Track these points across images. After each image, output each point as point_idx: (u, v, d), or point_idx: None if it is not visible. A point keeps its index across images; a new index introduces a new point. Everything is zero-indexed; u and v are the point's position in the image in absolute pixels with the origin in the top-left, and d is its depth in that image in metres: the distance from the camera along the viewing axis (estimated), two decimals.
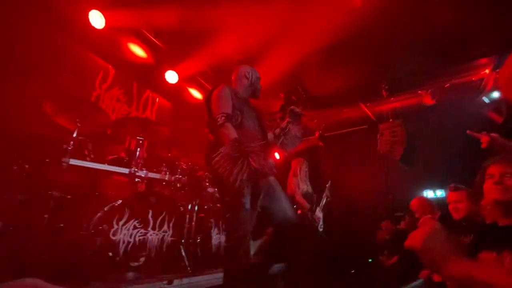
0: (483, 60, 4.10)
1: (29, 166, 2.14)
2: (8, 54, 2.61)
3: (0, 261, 1.66)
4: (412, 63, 4.23)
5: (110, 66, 3.79)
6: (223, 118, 1.66)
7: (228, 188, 1.55)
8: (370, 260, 4.56)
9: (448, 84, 4.48)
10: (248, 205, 1.67)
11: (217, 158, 1.53)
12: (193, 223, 2.51)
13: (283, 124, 2.00)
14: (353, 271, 4.43)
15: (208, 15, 3.41)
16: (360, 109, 5.22)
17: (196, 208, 2.60)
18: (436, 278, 2.62)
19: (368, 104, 5.14)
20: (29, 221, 1.93)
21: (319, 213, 3.82)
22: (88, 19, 3.13)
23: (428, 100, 4.63)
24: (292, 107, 2.01)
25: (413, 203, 2.88)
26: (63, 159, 2.05)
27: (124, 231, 1.97)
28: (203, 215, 2.70)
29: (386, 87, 4.71)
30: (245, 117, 1.81)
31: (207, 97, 1.87)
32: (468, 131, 1.58)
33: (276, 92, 4.86)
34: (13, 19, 2.68)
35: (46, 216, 1.92)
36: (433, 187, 4.90)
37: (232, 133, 1.65)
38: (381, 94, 4.76)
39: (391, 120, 4.83)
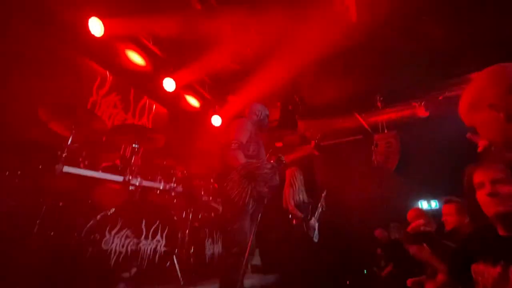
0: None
1: (21, 172, 2.11)
2: (6, 59, 2.61)
3: None
4: (407, 75, 4.32)
5: (107, 73, 3.79)
6: (236, 144, 2.00)
7: (234, 205, 1.84)
8: (365, 271, 4.53)
9: (441, 97, 4.57)
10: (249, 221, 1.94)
11: (228, 185, 1.88)
12: (186, 233, 2.48)
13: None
14: (348, 282, 4.39)
15: (206, 24, 3.46)
16: (355, 119, 5.28)
17: (190, 217, 2.58)
18: (428, 286, 2.62)
19: (363, 115, 5.20)
20: (20, 228, 1.89)
21: (314, 223, 3.80)
22: (87, 26, 3.15)
23: (422, 112, 4.71)
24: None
25: (410, 214, 2.90)
26: (57, 166, 2.03)
27: (116, 241, 1.94)
28: (197, 224, 2.67)
29: (381, 98, 4.78)
30: (261, 150, 2.20)
31: (228, 123, 2.27)
32: (468, 135, 1.56)
33: (273, 101, 4.90)
34: (12, 25, 2.69)
35: (37, 224, 1.88)
36: (428, 197, 4.93)
37: (241, 158, 1.96)
38: (376, 105, 4.83)
39: (386, 131, 4.89)
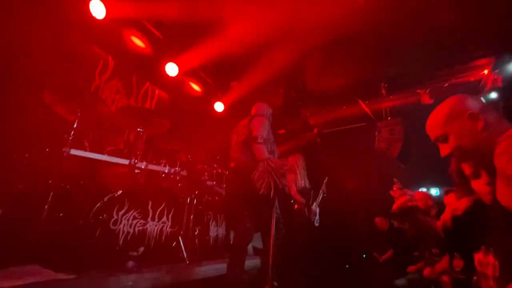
0: (482, 61, 4.14)
1: (29, 155, 2.15)
2: (9, 43, 2.59)
3: (2, 249, 1.68)
4: (412, 62, 4.25)
5: (110, 57, 3.76)
6: (262, 139, 2.25)
7: (255, 194, 2.12)
8: (364, 255, 4.64)
9: (447, 84, 4.51)
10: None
11: (255, 174, 2.16)
12: (191, 215, 2.54)
13: None
14: (347, 266, 4.51)
15: (209, 8, 3.39)
16: (359, 106, 5.25)
17: (195, 200, 2.63)
18: (426, 272, 2.69)
19: (367, 102, 5.16)
20: (30, 210, 1.94)
21: (315, 209, 3.87)
22: (89, 9, 3.10)
23: (427, 99, 4.66)
24: None
25: (416, 196, 2.93)
26: (64, 149, 2.06)
27: (124, 221, 2.00)
28: (201, 207, 2.73)
29: (386, 85, 4.73)
30: (274, 147, 2.43)
31: (249, 120, 2.44)
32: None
33: (276, 88, 4.87)
34: (13, 9, 2.65)
35: (46, 206, 1.94)
36: (427, 185, 4.97)
37: (265, 152, 2.22)
38: (380, 92, 4.79)
39: (389, 118, 4.87)
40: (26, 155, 2.19)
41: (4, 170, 2.16)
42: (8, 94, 2.44)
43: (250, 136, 2.26)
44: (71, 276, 1.53)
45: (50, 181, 2.04)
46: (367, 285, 3.80)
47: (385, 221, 4.15)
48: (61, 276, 1.51)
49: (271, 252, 2.03)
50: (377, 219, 4.21)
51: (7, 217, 1.87)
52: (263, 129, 2.29)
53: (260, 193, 2.07)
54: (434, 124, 1.14)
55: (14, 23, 2.65)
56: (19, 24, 2.69)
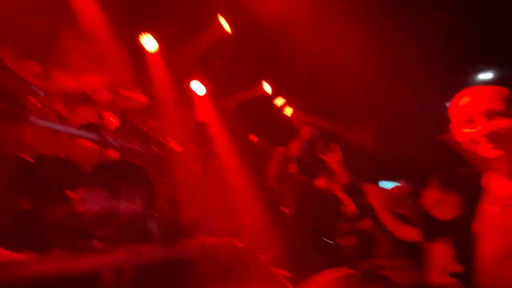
0: None
1: None
2: None
3: None
4: None
5: (78, 15, 3.38)
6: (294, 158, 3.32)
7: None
8: (323, 238, 4.92)
9: None
10: None
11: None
12: (164, 197, 2.51)
13: None
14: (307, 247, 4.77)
15: None
16: None
17: (169, 181, 2.60)
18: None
19: None
20: None
21: None
22: None
23: None
24: None
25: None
26: (28, 118, 1.88)
27: (93, 200, 1.92)
28: (174, 189, 2.71)
29: None
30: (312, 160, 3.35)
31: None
32: None
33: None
34: None
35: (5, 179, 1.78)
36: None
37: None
38: None
39: None
40: None
41: None
42: None
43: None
44: (29, 256, 1.45)
45: (9, 151, 1.87)
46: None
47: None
48: (16, 256, 1.43)
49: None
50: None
51: None
52: (299, 151, 3.26)
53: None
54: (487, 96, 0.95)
55: None
56: None
